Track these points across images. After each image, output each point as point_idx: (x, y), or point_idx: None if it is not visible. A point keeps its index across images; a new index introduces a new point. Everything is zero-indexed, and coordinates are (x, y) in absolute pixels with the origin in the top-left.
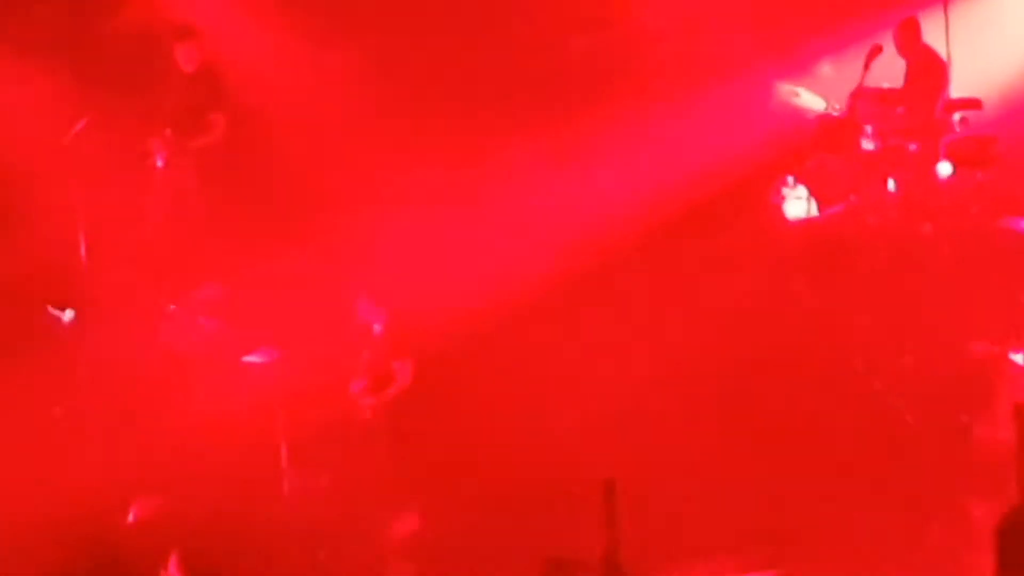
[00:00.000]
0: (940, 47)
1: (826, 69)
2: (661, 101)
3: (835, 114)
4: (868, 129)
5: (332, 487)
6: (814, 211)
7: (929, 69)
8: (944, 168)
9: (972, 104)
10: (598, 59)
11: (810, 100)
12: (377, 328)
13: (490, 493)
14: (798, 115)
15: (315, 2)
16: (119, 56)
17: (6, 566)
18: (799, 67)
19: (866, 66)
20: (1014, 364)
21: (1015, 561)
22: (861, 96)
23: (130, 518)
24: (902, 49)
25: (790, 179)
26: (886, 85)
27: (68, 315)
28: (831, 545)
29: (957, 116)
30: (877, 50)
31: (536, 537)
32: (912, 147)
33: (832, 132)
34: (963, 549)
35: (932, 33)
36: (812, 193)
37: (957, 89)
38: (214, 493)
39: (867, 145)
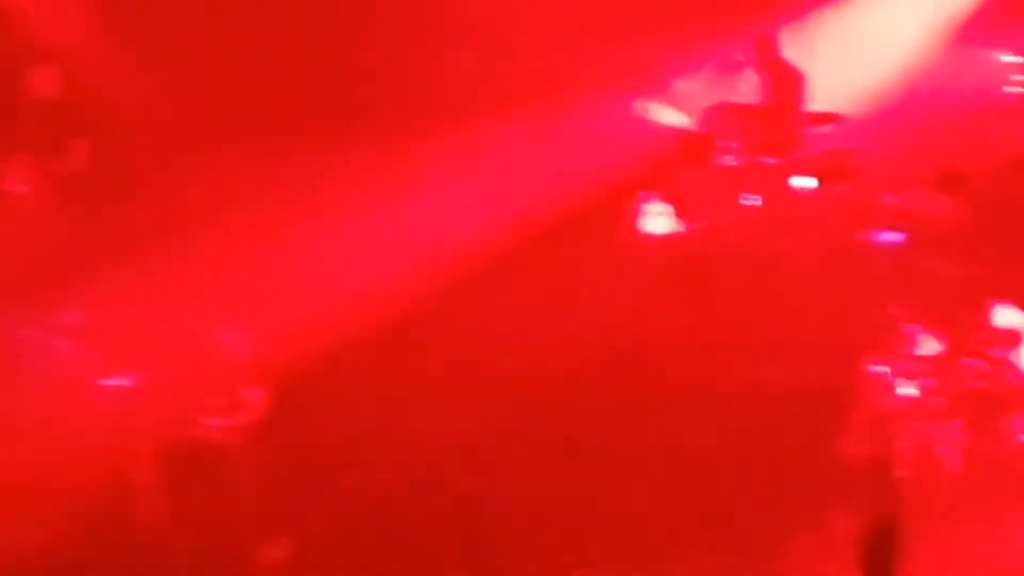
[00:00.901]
0: (801, 61)
1: (686, 84)
2: (523, 118)
3: (695, 130)
4: (728, 144)
5: (192, 513)
6: (675, 227)
7: (788, 83)
8: (804, 182)
9: (832, 118)
10: (460, 76)
11: (670, 116)
12: (236, 352)
13: (355, 515)
14: (658, 131)
15: (176, 25)
16: None
17: None
18: (659, 83)
19: (724, 82)
20: (875, 375)
21: (877, 572)
22: (721, 111)
23: None
24: (761, 64)
25: (650, 196)
26: (745, 100)
27: None
28: (694, 559)
29: (817, 130)
30: (736, 65)
31: (403, 557)
32: (772, 162)
33: (692, 148)
34: (826, 562)
35: (793, 47)
36: (672, 209)
37: (818, 103)
38: (68, 519)
39: (727, 160)
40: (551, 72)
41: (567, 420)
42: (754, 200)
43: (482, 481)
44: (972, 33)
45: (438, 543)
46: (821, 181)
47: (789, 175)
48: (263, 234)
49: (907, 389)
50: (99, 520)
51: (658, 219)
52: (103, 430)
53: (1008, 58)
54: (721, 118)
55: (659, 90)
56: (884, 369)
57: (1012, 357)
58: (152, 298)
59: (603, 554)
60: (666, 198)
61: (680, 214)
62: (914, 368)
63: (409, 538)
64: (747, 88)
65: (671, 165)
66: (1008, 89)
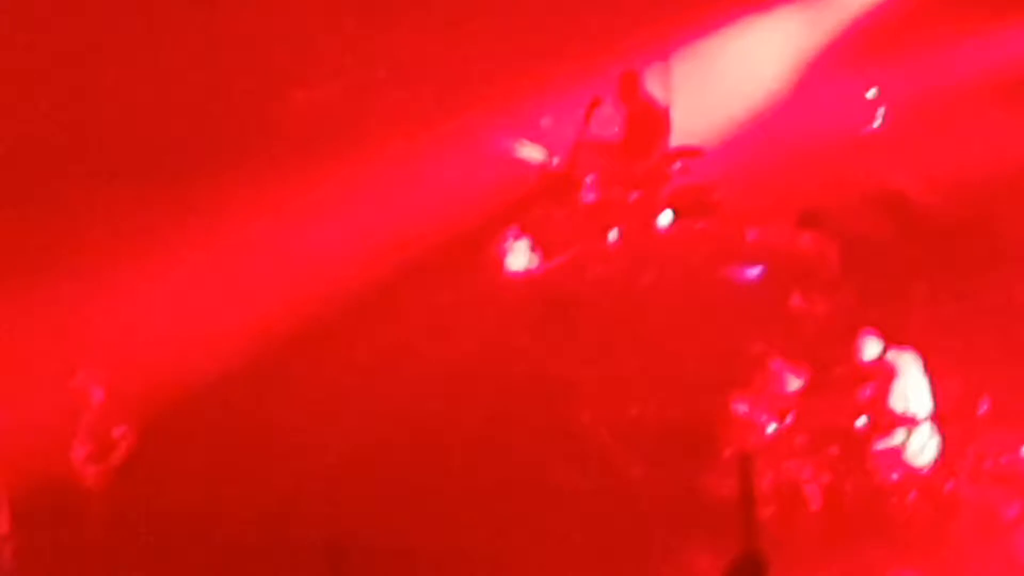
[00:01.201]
0: (662, 97)
1: (546, 121)
2: (383, 154)
3: (556, 166)
4: (589, 180)
5: (56, 552)
6: (536, 263)
7: (649, 119)
8: (666, 217)
9: (693, 153)
10: (319, 112)
11: (531, 152)
12: (98, 396)
13: (217, 556)
14: (519, 167)
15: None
16: None
17: None
18: (520, 119)
19: (586, 118)
20: (737, 412)
21: None
22: (582, 147)
23: None
24: (622, 100)
25: (512, 232)
26: (607, 136)
27: None
28: None
29: (678, 165)
30: (597, 101)
31: None
32: (633, 197)
33: (553, 184)
34: None
35: (654, 83)
36: (534, 245)
37: (679, 138)
38: None
39: (588, 196)
40: (415, 109)
41: (431, 458)
42: (616, 235)
43: (346, 524)
44: (834, 68)
45: None
46: (682, 216)
47: (650, 211)
48: (122, 277)
49: (771, 426)
50: None
51: (520, 255)
52: None
53: (869, 94)
54: (583, 154)
55: (523, 126)
56: (748, 406)
57: (879, 393)
58: (16, 342)
59: None
60: (528, 234)
61: (541, 250)
62: (778, 405)
63: None
64: (609, 124)
65: (534, 201)
66: (869, 124)
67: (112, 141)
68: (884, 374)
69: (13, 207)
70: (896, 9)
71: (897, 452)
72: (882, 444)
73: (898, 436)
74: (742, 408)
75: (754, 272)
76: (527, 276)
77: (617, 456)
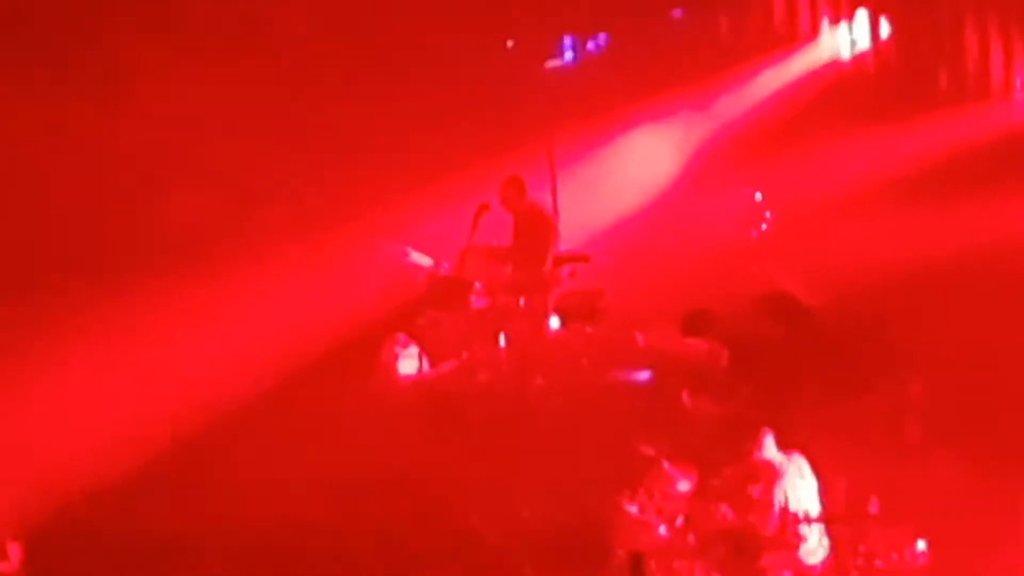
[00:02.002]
0: (549, 204)
1: (434, 228)
2: (272, 260)
3: (443, 272)
4: (478, 285)
5: None
6: (426, 369)
7: (536, 225)
8: (553, 322)
9: (579, 259)
10: (205, 216)
11: (419, 259)
12: None
13: None
14: (408, 273)
15: None
16: None
17: None
18: (407, 226)
19: (474, 224)
20: (628, 514)
21: None
22: (470, 253)
23: None
24: (508, 206)
25: (401, 337)
26: (495, 243)
27: None
28: None
29: (565, 270)
30: (484, 208)
31: None
32: (521, 302)
33: (442, 289)
34: None
35: (542, 191)
36: (423, 350)
37: (566, 243)
38: None
39: (477, 302)
40: (303, 215)
41: (322, 556)
42: (505, 340)
43: None
44: (717, 173)
45: None
46: (570, 320)
47: (538, 315)
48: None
49: (662, 527)
50: None
51: (410, 360)
52: None
53: (757, 196)
54: (471, 260)
55: (410, 233)
56: (639, 508)
57: (768, 494)
58: None
59: None
60: (417, 339)
61: (431, 355)
62: (668, 506)
63: None
64: (495, 231)
65: (422, 307)
66: (754, 227)
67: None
68: (773, 475)
69: None
70: (780, 115)
71: (788, 552)
72: (771, 545)
73: (788, 537)
74: (633, 510)
75: (644, 375)
76: (417, 380)
77: (508, 559)
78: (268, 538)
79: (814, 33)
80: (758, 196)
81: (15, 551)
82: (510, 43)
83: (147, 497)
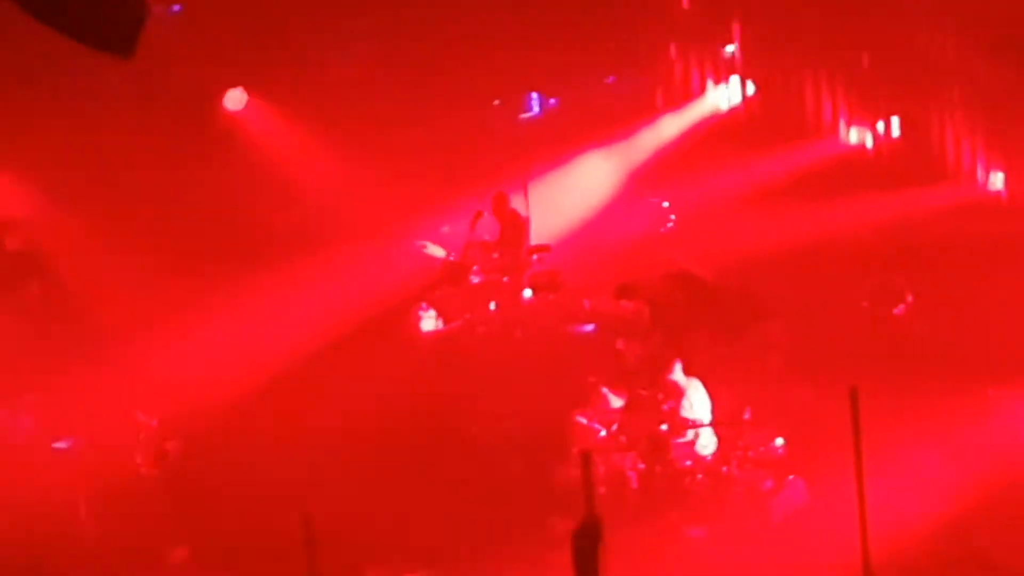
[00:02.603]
0: (523, 210)
1: (445, 228)
2: (340, 255)
3: (452, 259)
4: (475, 269)
5: (122, 530)
6: (440, 326)
7: (515, 226)
8: (527, 292)
9: (544, 249)
10: (294, 228)
11: (435, 250)
12: (153, 422)
13: (236, 531)
14: (428, 261)
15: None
16: None
17: None
18: (427, 228)
19: (472, 226)
20: (579, 423)
21: (585, 558)
22: (470, 246)
23: None
24: (496, 213)
25: (424, 305)
26: (486, 238)
27: None
28: (460, 553)
29: (535, 257)
30: (479, 214)
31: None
32: (505, 279)
33: (451, 271)
34: (551, 551)
35: (518, 202)
36: (439, 313)
37: (536, 238)
38: (34, 540)
39: (475, 279)
40: (355, 223)
41: (369, 456)
42: (494, 306)
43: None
44: (639, 188)
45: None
46: (538, 291)
47: (517, 288)
48: (164, 339)
49: (602, 431)
50: (57, 540)
51: (429, 320)
52: (53, 476)
53: (664, 204)
54: (470, 251)
55: (429, 232)
56: (587, 419)
57: (675, 407)
58: (91, 386)
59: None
60: (434, 306)
61: (444, 317)
62: (607, 417)
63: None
64: (487, 230)
65: (437, 284)
66: (663, 225)
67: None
68: (679, 394)
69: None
70: (681, 148)
71: (689, 447)
72: (678, 442)
73: (689, 436)
74: (583, 420)
75: (589, 328)
76: (434, 335)
77: (499, 455)
78: (341, 438)
79: (702, 91)
80: (665, 204)
81: (173, 447)
82: (496, 102)
83: (258, 412)
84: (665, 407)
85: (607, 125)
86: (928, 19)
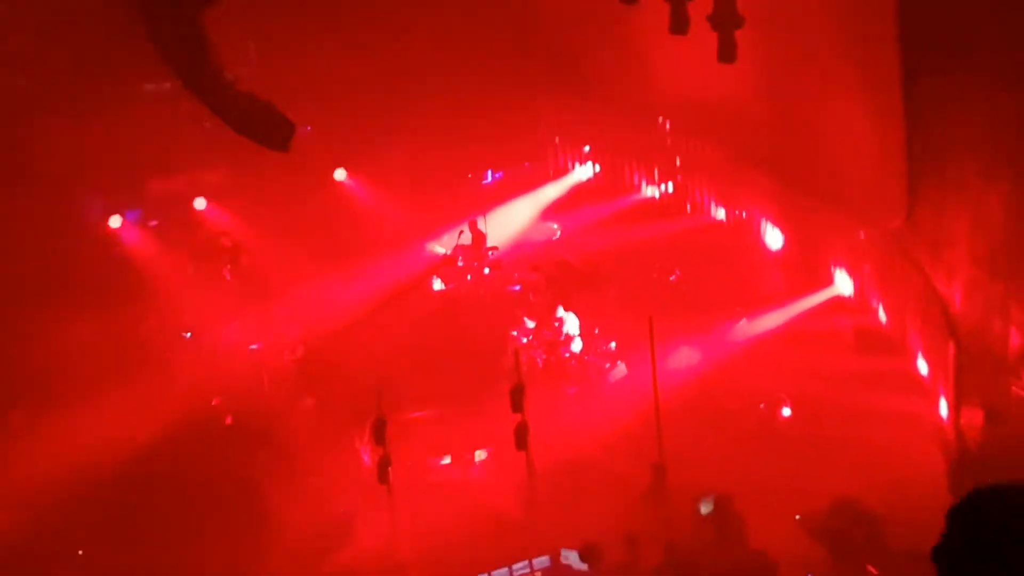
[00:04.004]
0: (483, 228)
1: (444, 239)
2: (382, 250)
3: (447, 254)
4: (460, 260)
5: (277, 392)
6: (441, 286)
7: (479, 237)
8: (487, 271)
9: (494, 248)
10: (364, 240)
11: (439, 249)
12: (292, 333)
13: (343, 392)
14: (436, 255)
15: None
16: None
17: None
18: (433, 238)
19: (458, 237)
20: (512, 336)
21: (517, 402)
22: (457, 248)
23: None
24: (471, 230)
25: (435, 276)
26: (466, 242)
27: None
28: (451, 398)
29: (490, 253)
30: (461, 232)
31: None
32: (475, 264)
33: (448, 261)
34: (499, 400)
35: (481, 223)
36: (443, 280)
37: (489, 243)
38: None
39: (460, 264)
40: (396, 230)
41: (414, 349)
42: (470, 278)
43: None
44: (543, 216)
45: None
46: (492, 269)
47: (481, 268)
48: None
49: (523, 340)
50: None
51: (438, 282)
52: (245, 361)
53: (554, 225)
54: (459, 249)
55: (432, 238)
56: (516, 333)
57: (560, 329)
58: (261, 314)
59: None
60: (440, 276)
61: (446, 282)
62: (527, 335)
63: None
64: (466, 237)
65: (442, 266)
66: (553, 236)
67: None
68: (562, 321)
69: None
70: (560, 201)
71: (567, 347)
72: (562, 344)
73: (573, 344)
74: (514, 334)
75: (516, 288)
76: (441, 292)
77: (472, 347)
78: (394, 346)
79: (568, 169)
80: (555, 225)
81: (299, 349)
82: (469, 175)
83: (353, 334)
84: (556, 326)
85: (526, 187)
86: None
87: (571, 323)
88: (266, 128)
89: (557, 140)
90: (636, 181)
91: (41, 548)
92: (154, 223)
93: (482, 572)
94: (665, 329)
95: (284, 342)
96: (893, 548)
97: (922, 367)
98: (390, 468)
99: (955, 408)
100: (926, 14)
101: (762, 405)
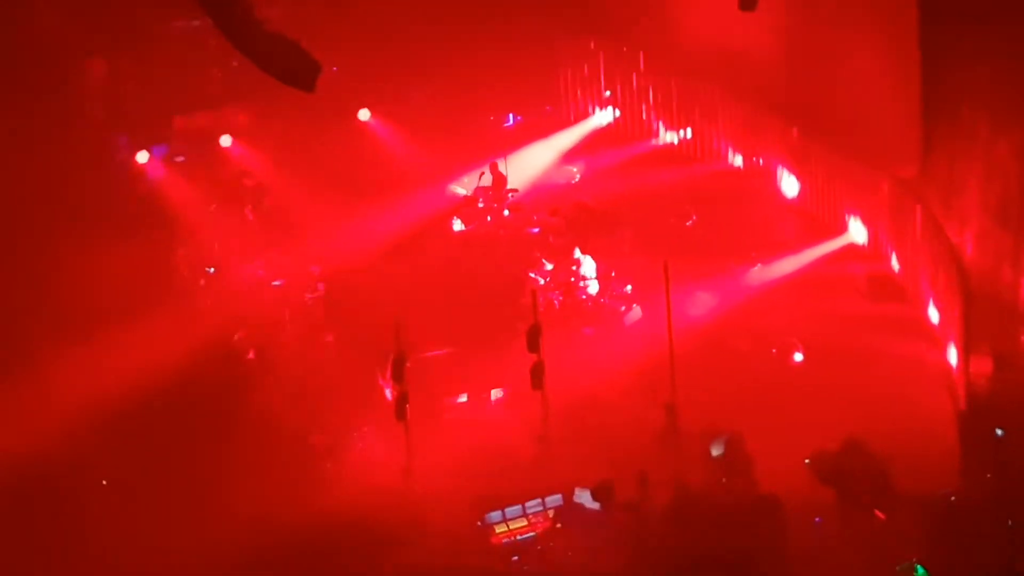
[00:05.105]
0: (504, 170)
1: (465, 179)
2: (403, 190)
3: (468, 195)
4: (480, 201)
5: (303, 319)
6: (461, 227)
7: (499, 179)
8: (506, 211)
9: (514, 191)
10: (391, 178)
11: (459, 190)
12: (316, 269)
13: (362, 324)
14: (457, 196)
15: None
16: None
17: None
18: (455, 179)
19: (479, 179)
20: (531, 277)
21: (533, 342)
22: (478, 189)
23: None
24: (491, 172)
25: (455, 217)
26: (485, 184)
27: None
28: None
29: (511, 196)
30: (482, 173)
31: None
32: (496, 206)
33: (468, 202)
34: (517, 338)
35: (501, 167)
36: (463, 221)
37: (510, 185)
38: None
39: (480, 206)
40: (422, 175)
41: (437, 287)
42: (490, 219)
43: None
44: (562, 160)
45: None
46: (512, 211)
47: (501, 209)
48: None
49: (541, 281)
50: None
51: (458, 223)
52: (269, 296)
53: (574, 168)
54: (479, 191)
55: (451, 181)
56: (533, 274)
57: (579, 270)
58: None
59: None
60: (460, 216)
61: (465, 222)
62: (543, 274)
63: None
64: (487, 179)
65: (462, 206)
66: (573, 179)
67: None
68: (578, 263)
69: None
70: (600, 132)
71: (584, 289)
72: (579, 285)
73: (590, 287)
74: (532, 275)
75: (535, 230)
76: (460, 233)
77: (492, 286)
78: (413, 278)
79: (588, 114)
80: (574, 168)
81: (321, 287)
82: (491, 118)
83: (375, 268)
84: (572, 268)
85: (546, 131)
86: None
87: (588, 266)
88: (293, 68)
89: (578, 88)
90: (655, 127)
91: (68, 478)
92: (180, 159)
93: (495, 509)
94: (680, 273)
95: (306, 279)
96: (900, 492)
97: (933, 314)
98: (407, 405)
99: (964, 355)
100: None
101: (774, 349)
